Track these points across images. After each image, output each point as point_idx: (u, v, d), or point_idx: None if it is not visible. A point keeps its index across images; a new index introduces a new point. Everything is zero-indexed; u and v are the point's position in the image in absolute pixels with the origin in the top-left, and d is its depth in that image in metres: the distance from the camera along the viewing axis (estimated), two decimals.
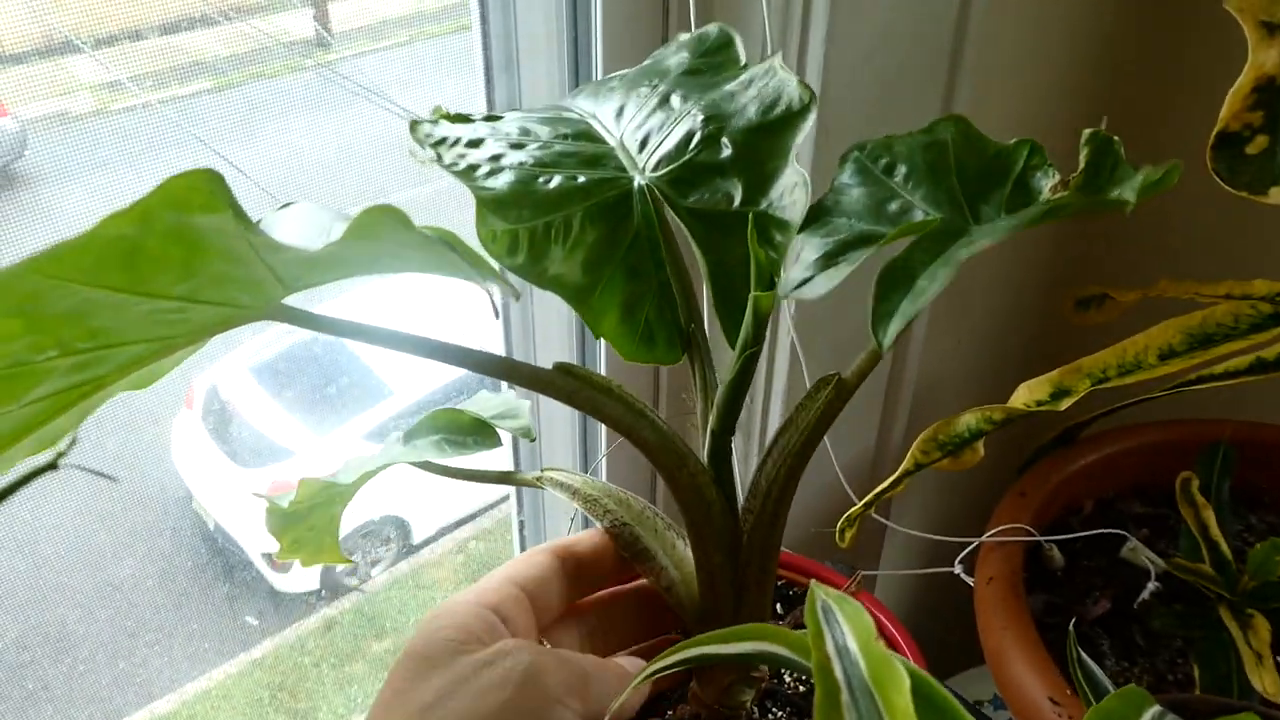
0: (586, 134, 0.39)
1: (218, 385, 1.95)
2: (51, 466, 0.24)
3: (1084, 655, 0.41)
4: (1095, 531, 0.66)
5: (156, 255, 0.23)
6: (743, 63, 0.41)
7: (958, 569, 0.63)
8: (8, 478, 0.25)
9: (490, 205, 0.32)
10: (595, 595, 0.42)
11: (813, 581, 0.24)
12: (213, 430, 1.89)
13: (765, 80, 0.38)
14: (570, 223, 0.34)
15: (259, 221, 0.30)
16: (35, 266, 0.22)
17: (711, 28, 0.43)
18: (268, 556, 1.91)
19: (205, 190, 0.23)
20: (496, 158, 0.36)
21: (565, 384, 0.31)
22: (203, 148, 2.00)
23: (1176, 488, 0.64)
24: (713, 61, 0.42)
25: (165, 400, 1.89)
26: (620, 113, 0.40)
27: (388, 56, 2.04)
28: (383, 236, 0.25)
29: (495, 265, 0.34)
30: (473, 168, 0.35)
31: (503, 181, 0.34)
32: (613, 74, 0.44)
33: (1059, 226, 0.77)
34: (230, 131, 1.96)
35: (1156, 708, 0.27)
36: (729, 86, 0.39)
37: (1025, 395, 0.54)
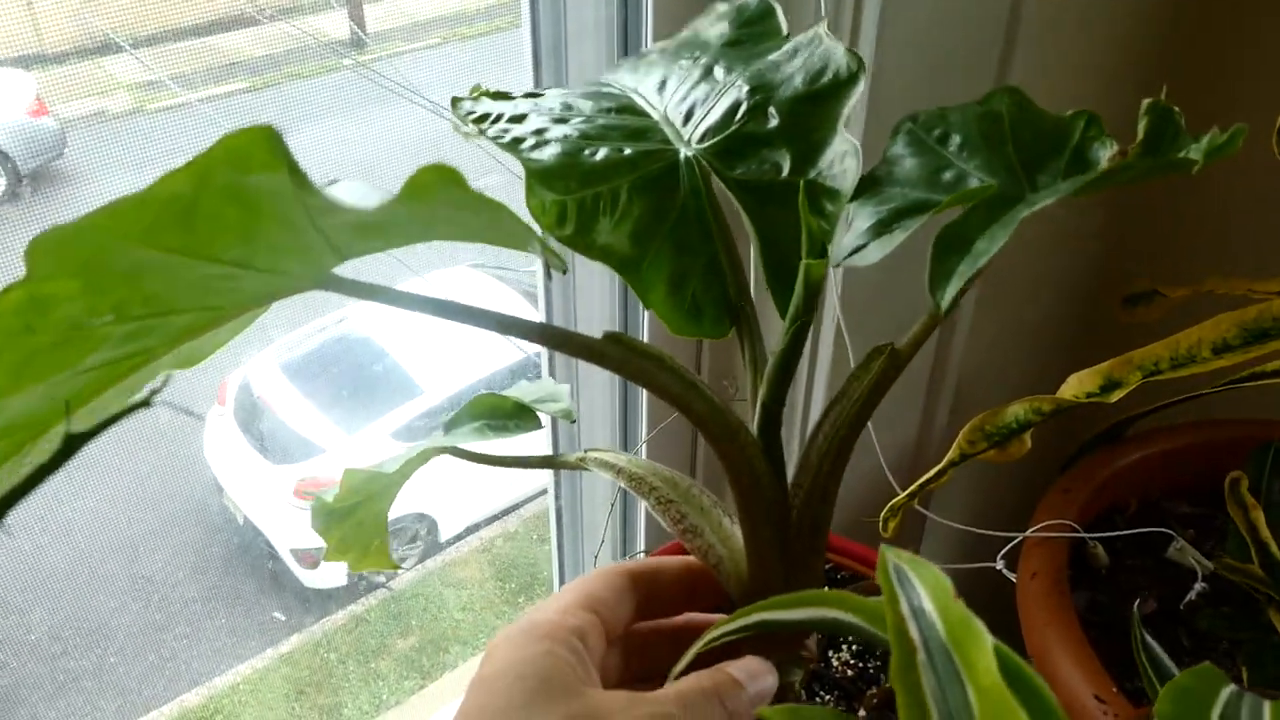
0: (630, 108, 0.39)
1: (250, 381, 1.96)
2: (145, 404, 0.23)
3: (1149, 639, 0.39)
4: (1142, 530, 0.65)
5: (213, 215, 0.23)
6: (785, 32, 0.41)
7: (1000, 564, 0.62)
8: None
9: (538, 176, 0.32)
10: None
11: (883, 545, 0.24)
12: (244, 426, 1.90)
13: (811, 49, 0.37)
14: (618, 194, 0.33)
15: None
16: (94, 223, 0.21)
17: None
18: (296, 552, 1.92)
19: (264, 148, 0.22)
20: (540, 131, 0.35)
21: (616, 353, 0.31)
22: None
23: (1225, 487, 0.62)
24: (754, 32, 0.41)
25: (199, 395, 1.90)
26: (663, 86, 0.40)
27: (423, 57, 2.06)
28: (437, 197, 0.25)
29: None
30: (518, 140, 0.35)
31: (549, 154, 0.33)
32: (651, 47, 0.44)
33: (1108, 220, 0.76)
34: None
35: (1232, 687, 0.26)
36: (773, 56, 0.39)
37: (1076, 386, 0.53)
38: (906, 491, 0.54)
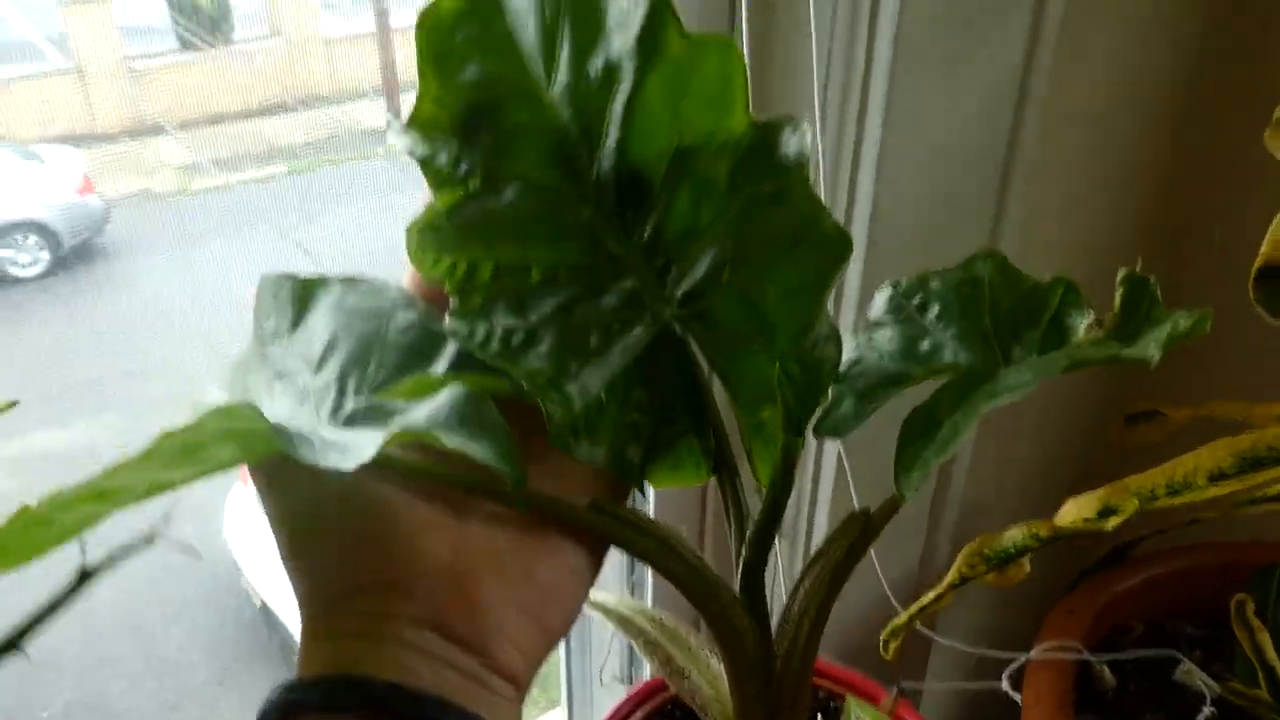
0: (595, 244, 0.34)
1: None
2: (148, 542, 0.25)
3: None
4: (1148, 652, 0.64)
5: (212, 447, 0.25)
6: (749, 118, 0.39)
7: (1005, 685, 0.62)
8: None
9: (539, 391, 0.31)
10: None
11: (849, 697, 0.25)
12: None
13: (794, 206, 0.36)
14: (616, 385, 0.32)
15: (313, 293, 0.32)
16: (90, 493, 0.23)
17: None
18: None
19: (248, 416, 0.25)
20: (519, 311, 0.32)
21: (599, 521, 0.31)
22: (274, 227, 2.07)
23: (1231, 610, 0.62)
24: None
25: (220, 476, 1.92)
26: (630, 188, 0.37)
27: None
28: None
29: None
30: (510, 349, 0.32)
31: (544, 351, 0.32)
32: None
33: None
34: (299, 212, 2.03)
35: None
36: (751, 202, 0.37)
37: (1073, 513, 0.54)
38: (906, 614, 0.54)
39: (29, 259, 1.83)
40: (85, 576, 0.24)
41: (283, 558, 0.30)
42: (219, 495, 1.89)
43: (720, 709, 0.35)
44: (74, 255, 2.01)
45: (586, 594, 0.32)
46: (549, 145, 0.32)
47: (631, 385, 0.33)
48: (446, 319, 0.31)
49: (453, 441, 0.26)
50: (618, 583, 0.74)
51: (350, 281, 0.32)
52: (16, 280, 1.83)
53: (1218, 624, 0.68)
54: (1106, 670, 0.64)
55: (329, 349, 0.30)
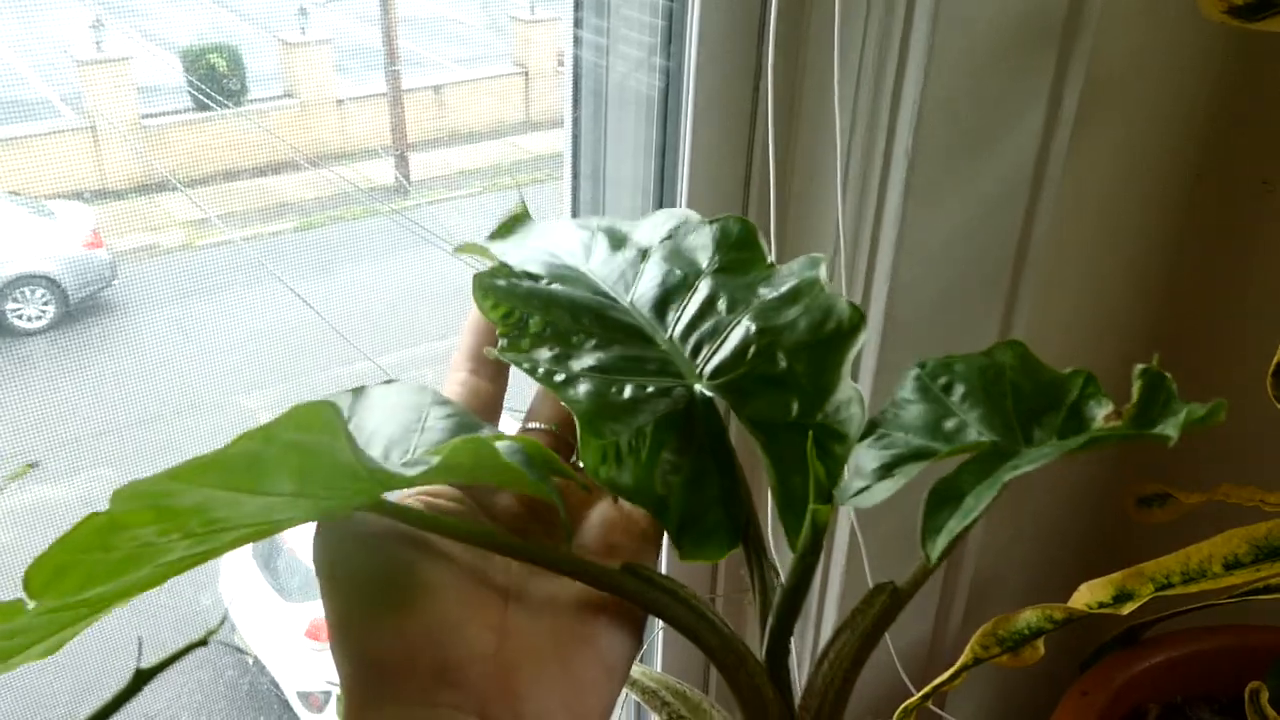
0: (639, 334, 0.39)
1: None
2: (202, 643, 0.26)
3: None
4: None
5: (276, 463, 0.25)
6: (769, 260, 0.42)
7: None
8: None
9: (583, 420, 0.34)
10: None
11: None
12: (262, 563, 1.90)
13: (812, 297, 0.38)
14: (644, 434, 0.35)
15: (360, 392, 0.33)
16: (170, 475, 0.24)
17: (731, 221, 0.43)
18: (303, 695, 1.89)
19: (323, 419, 0.25)
20: (562, 358, 0.37)
21: (632, 585, 0.32)
22: (280, 283, 2.09)
23: (1245, 698, 0.62)
24: (740, 258, 0.42)
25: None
26: (663, 309, 0.41)
27: (461, 205, 2.14)
28: (466, 468, 0.27)
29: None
30: (550, 373, 0.36)
31: (582, 391, 0.35)
32: (619, 230, 0.44)
33: None
34: (307, 269, 2.05)
35: None
36: (771, 297, 0.40)
37: (1087, 596, 0.54)
38: (920, 694, 0.54)
39: (35, 312, 1.84)
40: (140, 677, 0.24)
41: (333, 630, 0.30)
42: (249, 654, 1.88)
43: None
44: (81, 308, 2.02)
45: (621, 686, 0.32)
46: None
47: (662, 445, 0.36)
48: (497, 347, 0.36)
49: (509, 457, 0.29)
50: None
51: (390, 383, 0.35)
52: (23, 332, 1.84)
53: (1234, 709, 0.67)
54: None
55: (372, 436, 0.32)
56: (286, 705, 1.90)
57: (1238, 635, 0.69)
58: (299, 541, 1.97)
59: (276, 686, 1.89)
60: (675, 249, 0.43)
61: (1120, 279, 0.69)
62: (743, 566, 0.62)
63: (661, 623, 0.69)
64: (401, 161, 2.19)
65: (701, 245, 0.43)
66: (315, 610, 1.96)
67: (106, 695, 0.27)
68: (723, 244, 0.43)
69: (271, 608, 1.89)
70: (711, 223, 0.44)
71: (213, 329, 2.06)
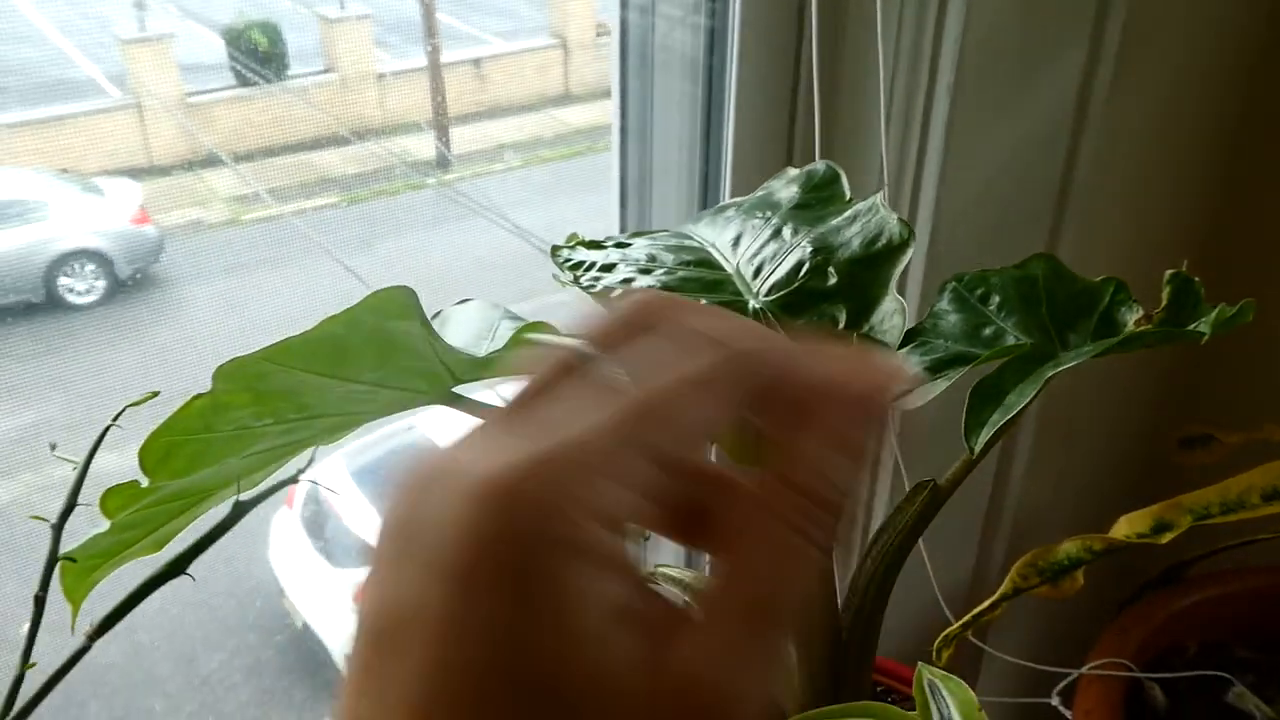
0: (707, 261, 0.43)
1: (318, 486, 2.00)
2: (293, 480, 0.29)
3: None
4: (1200, 673, 0.65)
5: (358, 350, 0.28)
6: (848, 198, 0.45)
7: (1055, 700, 0.62)
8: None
9: None
10: None
11: (919, 663, 0.26)
12: (310, 530, 1.94)
13: (869, 217, 0.42)
14: None
15: (438, 315, 0.35)
16: (264, 355, 0.26)
17: (820, 165, 0.47)
18: (350, 659, 1.93)
19: (400, 302, 0.27)
20: (627, 280, 0.40)
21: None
22: (325, 256, 2.12)
23: None
24: (820, 196, 0.46)
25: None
26: (737, 241, 0.44)
27: (503, 178, 2.16)
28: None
29: None
30: (608, 290, 0.39)
31: None
32: (729, 202, 0.49)
33: (1163, 363, 0.78)
34: (351, 242, 2.08)
35: None
36: (835, 221, 0.43)
37: (1126, 527, 0.55)
38: (960, 623, 0.55)
39: (85, 286, 1.88)
40: (240, 508, 0.27)
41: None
42: (265, 519, 1.92)
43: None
44: (130, 283, 2.06)
45: None
46: None
47: None
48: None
49: None
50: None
51: (466, 302, 0.39)
52: (74, 307, 1.88)
53: (1273, 647, 0.68)
54: (1158, 690, 0.64)
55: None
56: (334, 668, 1.94)
57: (1275, 575, 0.69)
58: (347, 508, 2.01)
59: (325, 650, 1.93)
60: (763, 199, 0.47)
61: (1164, 215, 0.69)
62: None
63: None
64: (443, 135, 2.21)
65: (787, 190, 0.47)
66: (362, 576, 2.00)
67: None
68: (805, 186, 0.46)
69: (320, 574, 1.93)
70: (803, 170, 0.47)
71: (259, 302, 2.09)
